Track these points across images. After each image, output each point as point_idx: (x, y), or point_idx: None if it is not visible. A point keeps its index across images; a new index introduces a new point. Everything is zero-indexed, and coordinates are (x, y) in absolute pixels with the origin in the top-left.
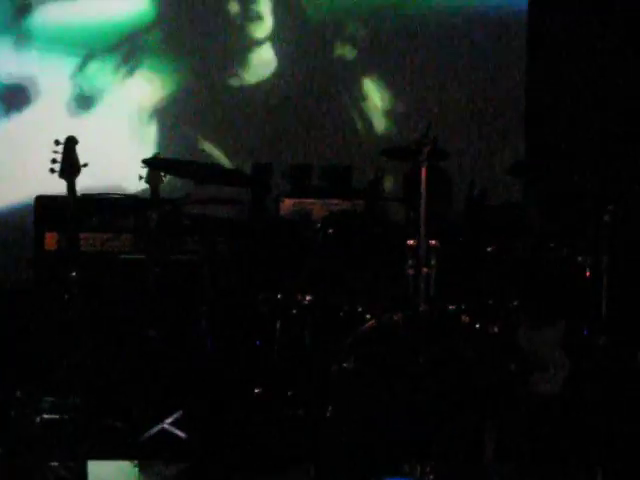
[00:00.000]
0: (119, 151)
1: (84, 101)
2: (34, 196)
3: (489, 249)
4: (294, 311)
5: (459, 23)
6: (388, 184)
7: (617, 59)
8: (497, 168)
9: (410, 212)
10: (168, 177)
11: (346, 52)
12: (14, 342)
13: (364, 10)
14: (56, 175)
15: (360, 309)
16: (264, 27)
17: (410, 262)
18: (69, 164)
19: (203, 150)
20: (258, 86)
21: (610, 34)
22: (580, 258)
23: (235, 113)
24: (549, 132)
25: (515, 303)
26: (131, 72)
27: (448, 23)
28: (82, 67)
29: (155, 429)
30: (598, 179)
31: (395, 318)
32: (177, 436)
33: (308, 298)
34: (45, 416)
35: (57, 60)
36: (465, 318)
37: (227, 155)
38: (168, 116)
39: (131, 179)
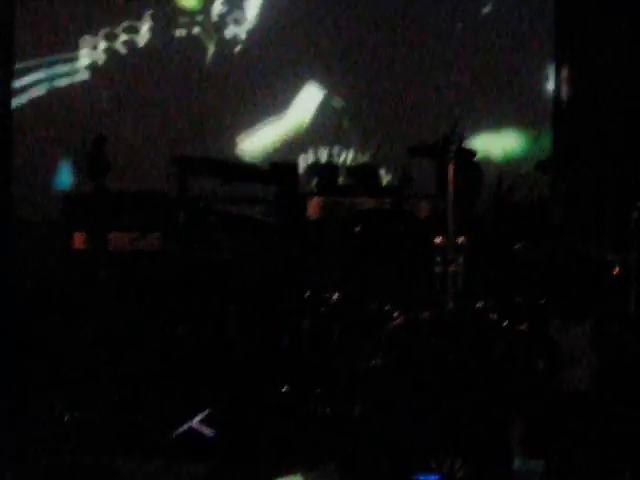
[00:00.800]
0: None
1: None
2: (62, 195)
3: (517, 246)
4: (322, 309)
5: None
6: (415, 182)
7: None
8: (524, 165)
9: (439, 209)
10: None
11: None
12: (46, 340)
13: None
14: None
15: (388, 307)
16: None
17: (437, 259)
18: (97, 164)
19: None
20: None
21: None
22: (609, 256)
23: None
24: (576, 129)
25: (543, 300)
26: None
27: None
28: None
29: (183, 427)
30: (625, 176)
31: (423, 316)
32: (205, 434)
33: (336, 296)
34: (75, 414)
35: None
36: (493, 315)
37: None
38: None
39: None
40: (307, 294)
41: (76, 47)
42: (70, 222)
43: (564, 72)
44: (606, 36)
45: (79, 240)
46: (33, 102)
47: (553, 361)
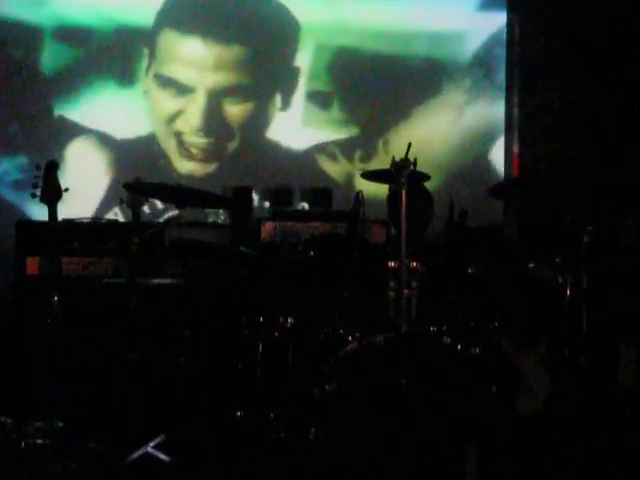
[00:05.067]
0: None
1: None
2: (15, 221)
3: (470, 270)
4: (276, 334)
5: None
6: (369, 206)
7: (596, 84)
8: (477, 190)
9: (392, 234)
10: (150, 201)
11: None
12: None
13: None
14: (37, 200)
15: (342, 331)
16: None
17: (391, 284)
18: (50, 189)
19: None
20: None
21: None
22: (560, 278)
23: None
24: (528, 154)
25: (496, 324)
26: None
27: None
28: None
29: (138, 453)
30: (577, 200)
31: (377, 340)
32: (160, 460)
33: (290, 321)
34: (29, 440)
35: None
36: (447, 339)
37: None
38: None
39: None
40: (261, 319)
41: None
42: (23, 247)
43: (518, 96)
44: (561, 63)
45: (32, 265)
46: None
47: (506, 385)
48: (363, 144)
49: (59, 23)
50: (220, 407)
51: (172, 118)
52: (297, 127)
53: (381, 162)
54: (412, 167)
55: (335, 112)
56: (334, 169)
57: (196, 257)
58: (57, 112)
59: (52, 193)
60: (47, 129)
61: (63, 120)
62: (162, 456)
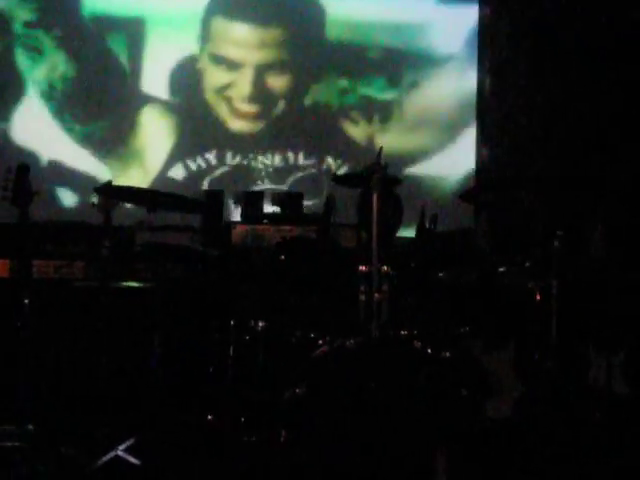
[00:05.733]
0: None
1: None
2: None
3: (440, 275)
4: (247, 337)
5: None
6: (340, 210)
7: (565, 86)
8: (448, 194)
9: (362, 238)
10: (121, 204)
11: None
12: None
13: None
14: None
15: (312, 335)
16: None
17: (362, 288)
18: (21, 191)
19: None
20: None
21: (562, 68)
22: (530, 283)
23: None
24: (499, 159)
25: (466, 329)
26: None
27: None
28: None
29: (108, 456)
30: (547, 205)
31: (347, 344)
32: (130, 463)
33: (261, 324)
34: None
35: None
36: (417, 343)
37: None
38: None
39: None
40: (232, 322)
41: None
42: None
43: (488, 101)
44: (530, 68)
45: (3, 268)
46: None
47: (476, 389)
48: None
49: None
50: (190, 410)
51: (224, 88)
52: None
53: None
54: (383, 171)
55: None
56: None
57: (166, 260)
58: None
59: (23, 196)
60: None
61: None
62: (132, 459)
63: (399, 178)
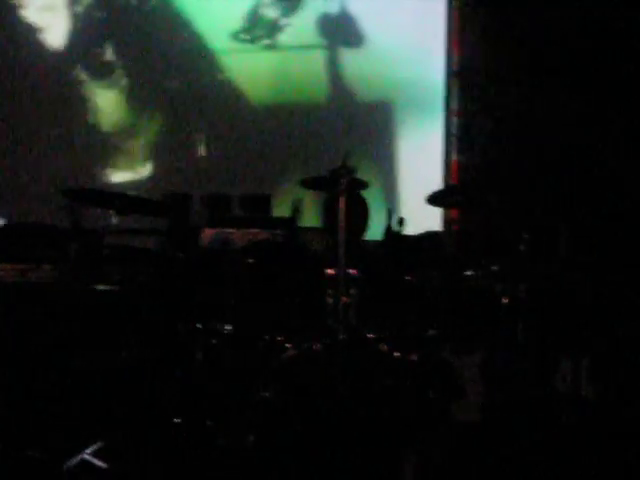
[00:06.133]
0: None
1: None
2: None
3: (407, 278)
4: (214, 341)
5: None
6: (307, 213)
7: (534, 88)
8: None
9: (329, 241)
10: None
11: None
12: None
13: None
14: None
15: (280, 338)
16: None
17: (330, 291)
18: None
19: None
20: None
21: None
22: (497, 286)
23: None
24: (467, 162)
25: (433, 331)
26: None
27: None
28: None
29: (75, 459)
30: (514, 208)
31: (315, 347)
32: (98, 466)
33: (228, 328)
34: None
35: None
36: (384, 347)
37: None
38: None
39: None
40: (199, 326)
41: None
42: None
43: (458, 102)
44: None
45: None
46: None
47: (444, 391)
48: None
49: None
50: (158, 414)
51: None
52: None
53: None
54: (350, 175)
55: None
56: None
57: (134, 264)
58: None
59: None
60: None
61: None
62: (99, 463)
63: (366, 181)
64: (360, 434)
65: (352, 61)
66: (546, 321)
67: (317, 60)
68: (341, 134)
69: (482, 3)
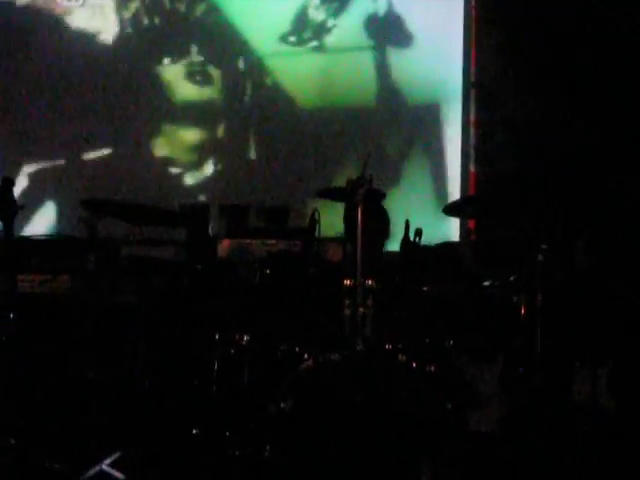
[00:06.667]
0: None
1: None
2: None
3: (425, 289)
4: (232, 351)
5: None
6: (325, 224)
7: (549, 101)
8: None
9: (347, 252)
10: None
11: None
12: None
13: None
14: None
15: (298, 349)
16: None
17: (347, 302)
18: (6, 205)
19: None
20: None
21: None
22: (515, 297)
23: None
24: (485, 173)
25: (451, 342)
26: None
27: None
28: None
29: (93, 470)
30: (532, 219)
31: (332, 358)
32: (116, 477)
33: (246, 338)
34: None
35: None
36: (402, 357)
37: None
38: None
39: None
40: (217, 336)
41: None
42: None
43: (475, 115)
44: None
45: None
46: None
47: (461, 402)
48: None
49: None
50: (175, 424)
51: None
52: None
53: None
54: (368, 185)
55: None
56: None
57: (151, 274)
58: None
59: (8, 210)
60: None
61: None
62: (117, 474)
63: (383, 192)
64: (378, 445)
65: (400, 61)
66: (564, 331)
67: (365, 61)
68: (388, 136)
69: (500, 13)
